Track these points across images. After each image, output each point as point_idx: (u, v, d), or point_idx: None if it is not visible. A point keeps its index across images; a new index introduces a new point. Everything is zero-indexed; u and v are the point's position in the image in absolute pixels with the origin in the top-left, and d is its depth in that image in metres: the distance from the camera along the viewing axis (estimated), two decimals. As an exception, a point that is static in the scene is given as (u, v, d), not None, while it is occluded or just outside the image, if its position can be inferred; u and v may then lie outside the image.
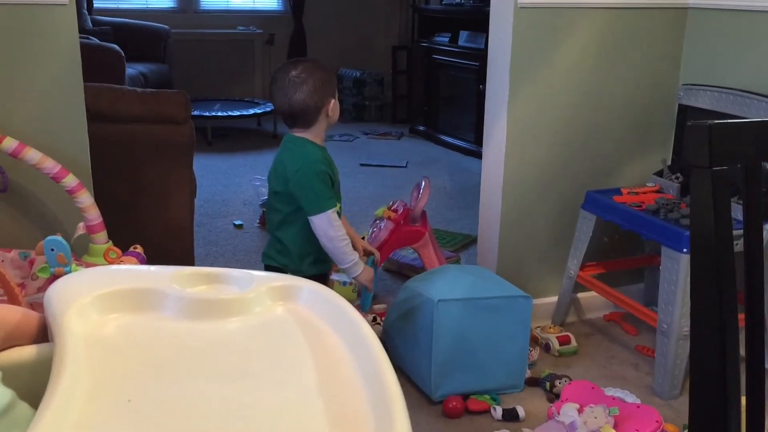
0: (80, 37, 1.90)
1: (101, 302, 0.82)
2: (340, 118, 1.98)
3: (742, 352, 0.91)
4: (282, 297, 0.89)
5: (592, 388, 1.97)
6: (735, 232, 0.87)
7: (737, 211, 0.97)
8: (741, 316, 0.90)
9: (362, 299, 2.11)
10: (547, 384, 2.06)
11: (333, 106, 1.85)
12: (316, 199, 1.78)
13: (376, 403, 0.68)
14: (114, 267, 1.44)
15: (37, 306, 1.59)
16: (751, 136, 0.88)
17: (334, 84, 1.88)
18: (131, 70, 4.33)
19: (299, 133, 1.86)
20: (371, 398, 0.70)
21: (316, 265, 1.89)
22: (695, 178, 0.85)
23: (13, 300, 1.38)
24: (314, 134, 1.86)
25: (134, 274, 0.93)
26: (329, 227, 1.79)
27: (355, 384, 0.73)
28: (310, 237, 1.85)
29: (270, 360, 0.78)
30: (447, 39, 5.17)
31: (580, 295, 2.48)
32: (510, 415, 1.93)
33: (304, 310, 0.87)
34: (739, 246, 0.91)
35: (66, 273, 1.62)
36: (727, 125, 0.85)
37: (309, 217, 1.80)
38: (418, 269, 2.67)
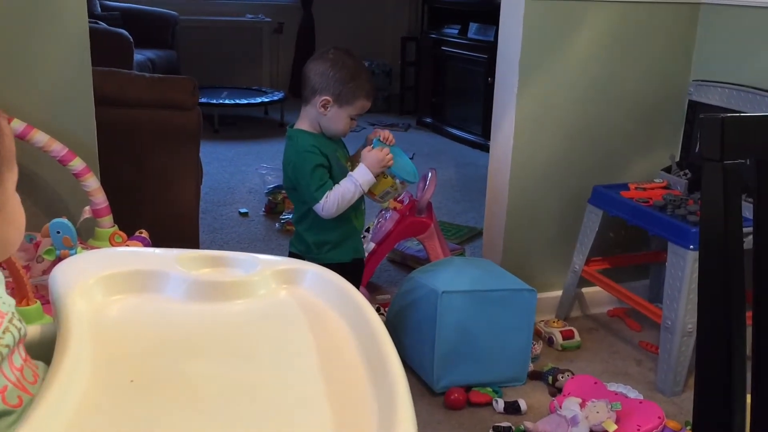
0: (89, 22, 1.89)
1: (105, 283, 0.82)
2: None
3: (749, 350, 0.91)
4: (286, 280, 0.89)
5: (595, 383, 1.96)
6: (744, 230, 0.87)
7: (746, 210, 0.96)
8: (748, 314, 0.89)
9: (399, 174, 1.90)
10: (550, 378, 2.06)
11: (329, 109, 1.82)
12: (309, 193, 1.83)
13: (379, 384, 0.68)
14: (119, 249, 1.44)
15: (42, 288, 1.59)
16: (763, 130, 0.87)
17: (347, 95, 1.82)
18: (139, 55, 4.32)
19: (299, 120, 1.90)
20: (374, 380, 0.69)
21: (336, 252, 1.90)
22: (706, 171, 0.84)
23: (18, 281, 1.38)
24: (308, 120, 1.88)
25: (139, 256, 0.93)
26: (326, 211, 1.83)
27: (357, 366, 0.73)
28: (322, 228, 1.89)
29: (273, 342, 0.78)
30: (456, 31, 5.15)
31: (584, 289, 2.47)
32: (512, 408, 1.93)
33: (308, 293, 0.87)
34: (747, 243, 0.90)
35: (71, 255, 1.63)
36: (740, 119, 0.84)
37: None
38: (422, 261, 2.66)
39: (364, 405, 0.67)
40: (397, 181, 1.92)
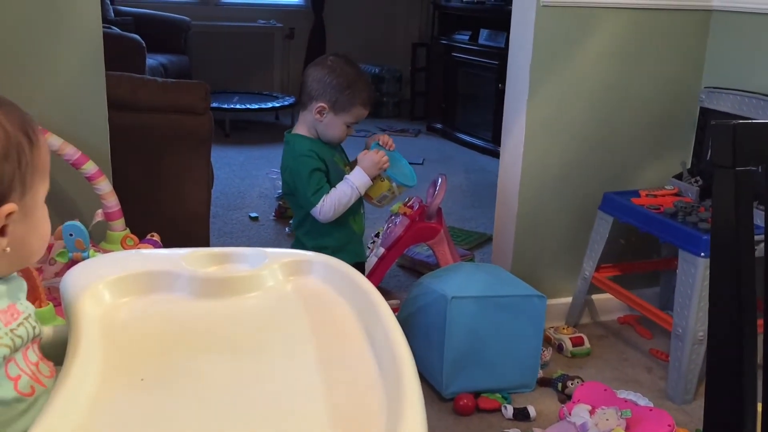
0: (102, 27, 1.91)
1: (116, 285, 0.83)
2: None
3: (759, 358, 0.90)
4: (294, 272, 0.89)
5: (605, 390, 1.95)
6: (756, 237, 0.86)
7: (757, 217, 0.96)
8: (759, 322, 0.89)
9: (396, 178, 1.92)
10: (559, 384, 2.05)
11: (325, 115, 1.84)
12: (305, 197, 1.85)
13: (387, 371, 0.68)
14: (129, 252, 1.45)
15: (55, 290, 1.60)
16: (775, 137, 0.87)
17: (343, 102, 1.83)
18: (151, 60, 4.35)
19: (297, 125, 1.92)
20: (382, 367, 0.70)
21: (336, 257, 1.90)
22: (717, 178, 0.84)
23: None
24: (306, 126, 1.90)
25: (148, 257, 0.94)
26: (323, 215, 1.85)
27: (365, 353, 0.73)
28: (320, 232, 1.91)
29: (283, 334, 0.79)
30: (467, 37, 5.15)
31: (594, 296, 2.46)
32: (521, 415, 1.93)
33: (316, 283, 0.88)
34: (758, 251, 0.90)
35: (84, 258, 1.64)
36: (752, 125, 0.84)
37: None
38: (432, 266, 2.66)
39: (372, 390, 0.67)
40: (394, 184, 1.93)
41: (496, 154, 3.57)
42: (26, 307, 0.77)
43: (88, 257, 1.64)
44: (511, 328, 1.99)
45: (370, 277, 2.38)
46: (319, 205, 1.83)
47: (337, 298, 0.84)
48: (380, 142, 1.93)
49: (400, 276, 2.84)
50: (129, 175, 2.11)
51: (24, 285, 0.79)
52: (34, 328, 0.75)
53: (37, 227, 0.77)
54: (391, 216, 2.64)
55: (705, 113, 2.30)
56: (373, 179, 1.89)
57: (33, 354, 0.75)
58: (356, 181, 1.85)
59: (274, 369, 0.72)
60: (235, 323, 0.80)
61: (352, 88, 1.84)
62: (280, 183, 3.65)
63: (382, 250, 2.56)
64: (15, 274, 0.78)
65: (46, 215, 0.79)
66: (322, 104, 1.83)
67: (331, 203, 1.82)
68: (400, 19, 6.44)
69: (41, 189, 0.77)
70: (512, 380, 2.03)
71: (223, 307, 0.82)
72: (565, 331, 2.32)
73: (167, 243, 1.90)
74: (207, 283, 0.85)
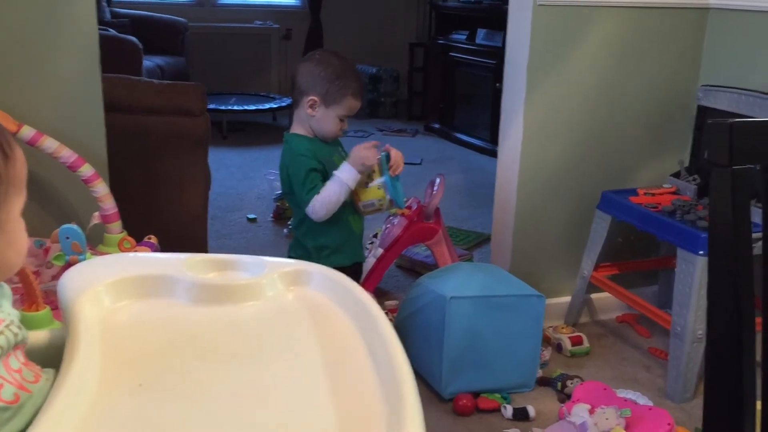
0: (99, 29, 1.90)
1: (114, 289, 0.83)
2: (356, 115, 1.95)
3: (758, 356, 0.90)
4: (293, 281, 0.89)
5: (604, 389, 1.95)
6: (753, 235, 0.86)
7: (755, 215, 0.96)
8: (757, 320, 0.89)
9: (391, 194, 1.92)
10: (559, 384, 2.05)
11: (317, 109, 1.84)
12: (301, 196, 1.85)
13: (386, 382, 0.68)
14: (127, 255, 1.45)
15: (52, 293, 1.60)
16: (772, 135, 0.87)
17: (333, 94, 1.83)
18: (148, 62, 4.35)
19: (293, 125, 1.93)
20: (381, 378, 0.70)
21: (336, 257, 1.91)
22: (714, 177, 0.84)
23: (28, 287, 1.39)
24: (301, 124, 1.90)
25: (147, 261, 0.94)
26: (315, 214, 1.85)
27: (365, 365, 0.73)
28: (320, 232, 1.90)
29: (281, 343, 0.79)
30: (464, 37, 5.15)
31: (593, 295, 2.46)
32: (520, 415, 1.92)
33: (315, 293, 0.88)
34: (756, 249, 0.89)
35: (81, 261, 1.63)
36: (748, 124, 0.84)
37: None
38: (430, 266, 2.66)
39: (371, 401, 0.67)
40: (387, 197, 1.92)
41: (493, 154, 3.57)
42: (8, 314, 0.75)
43: (85, 260, 1.64)
44: (510, 327, 1.99)
45: (368, 278, 2.38)
46: (311, 205, 1.84)
47: (337, 309, 0.84)
48: (391, 155, 1.91)
49: (398, 276, 2.83)
50: (126, 177, 2.11)
51: (7, 291, 0.77)
52: (16, 335, 0.74)
53: (12, 241, 0.75)
54: (389, 217, 2.64)
55: (702, 111, 2.29)
56: (368, 183, 1.88)
57: (15, 361, 0.74)
58: (343, 176, 1.84)
59: (272, 377, 0.72)
60: (235, 330, 0.80)
61: (341, 79, 1.84)
62: (278, 184, 3.66)
63: (380, 251, 2.55)
64: None
65: (23, 228, 0.77)
66: (313, 97, 1.84)
67: (321, 202, 1.83)
68: (397, 19, 6.44)
69: (17, 203, 0.75)
70: (511, 380, 2.03)
71: (222, 314, 0.82)
72: (564, 330, 2.32)
73: (165, 245, 1.90)
74: (206, 289, 0.85)
